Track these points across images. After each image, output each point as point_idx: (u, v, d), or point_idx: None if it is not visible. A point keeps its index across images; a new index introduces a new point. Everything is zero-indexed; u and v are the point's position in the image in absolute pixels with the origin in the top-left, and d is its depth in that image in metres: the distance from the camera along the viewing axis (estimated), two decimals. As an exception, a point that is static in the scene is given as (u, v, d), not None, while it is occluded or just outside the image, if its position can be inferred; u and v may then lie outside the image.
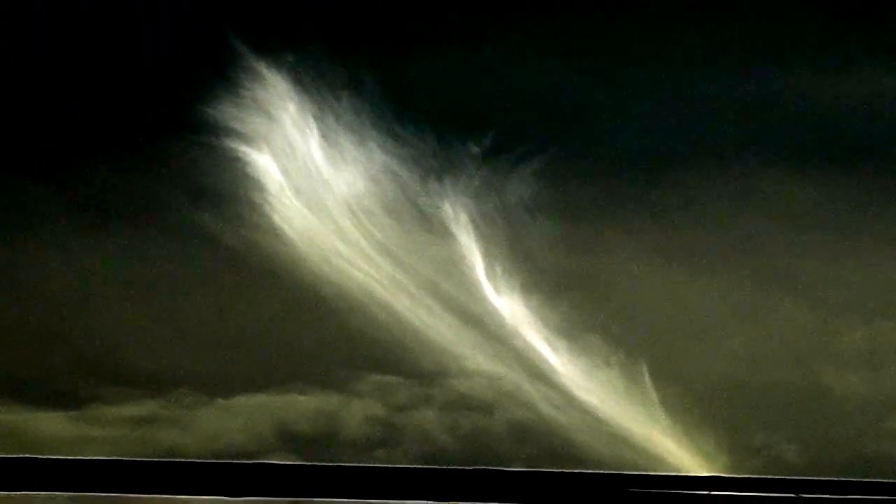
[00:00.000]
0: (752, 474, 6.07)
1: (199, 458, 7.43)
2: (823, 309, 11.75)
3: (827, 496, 6.00)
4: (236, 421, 11.19)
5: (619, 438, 11.41)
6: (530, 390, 11.54)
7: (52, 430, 10.97)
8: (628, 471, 6.58)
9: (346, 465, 6.64)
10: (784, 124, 12.08)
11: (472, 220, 11.99)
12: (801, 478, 6.00)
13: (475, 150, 12.07)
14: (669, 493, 6.07)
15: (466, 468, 6.61)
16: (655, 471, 9.61)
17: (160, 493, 6.72)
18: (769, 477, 6.00)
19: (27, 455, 6.76)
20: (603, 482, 6.54)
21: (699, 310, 11.81)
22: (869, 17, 12.07)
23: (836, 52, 12.06)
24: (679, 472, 10.42)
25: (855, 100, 11.86)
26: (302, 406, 11.25)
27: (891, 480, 5.99)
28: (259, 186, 11.90)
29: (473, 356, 11.65)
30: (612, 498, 6.44)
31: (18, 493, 6.72)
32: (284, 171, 12.05)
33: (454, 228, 11.99)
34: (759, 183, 11.99)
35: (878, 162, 11.93)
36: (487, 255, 11.94)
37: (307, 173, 12.11)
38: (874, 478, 6.04)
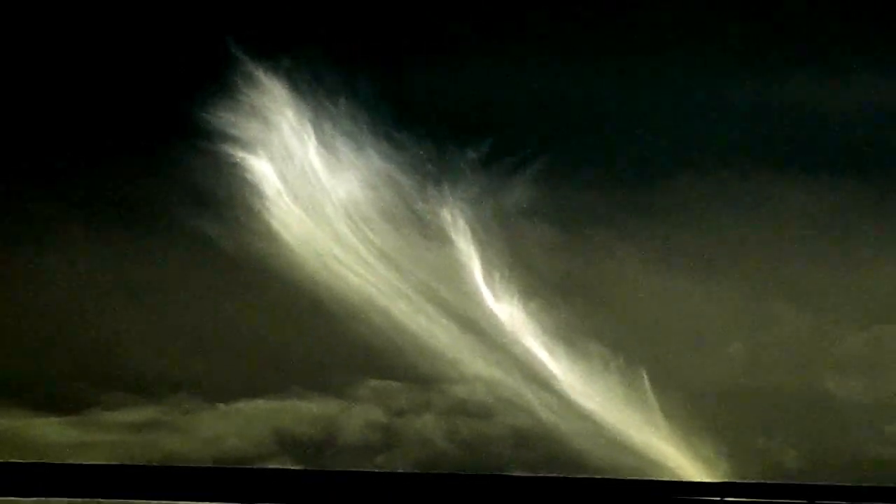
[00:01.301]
0: (753, 479, 6.07)
1: (198, 464, 7.43)
2: (823, 314, 11.75)
3: (840, 502, 5.98)
4: (236, 426, 11.17)
5: (618, 444, 11.40)
6: (529, 396, 11.53)
7: (52, 435, 10.95)
8: (628, 476, 6.58)
9: (347, 470, 6.63)
10: (783, 130, 12.10)
11: (471, 226, 11.99)
12: (814, 483, 5.98)
13: (473, 155, 12.06)
14: (683, 500, 6.06)
15: (466, 473, 6.59)
16: (655, 476, 9.63)
17: (159, 499, 6.71)
18: (781, 482, 5.98)
19: (26, 461, 6.74)
20: (609, 488, 6.54)
21: (698, 315, 11.82)
22: (870, 24, 12.09)
23: (838, 59, 12.07)
24: (680, 478, 10.43)
25: (857, 107, 11.88)
26: (301, 411, 11.24)
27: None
28: (257, 191, 11.90)
29: (472, 362, 11.65)
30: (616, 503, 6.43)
31: (18, 498, 6.70)
32: (282, 177, 12.05)
33: (452, 234, 11.99)
34: (758, 189, 12.01)
35: (878, 169, 11.95)
36: (486, 261, 11.94)
37: (305, 178, 12.11)
38: (875, 482, 6.03)
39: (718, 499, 5.94)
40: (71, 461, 6.76)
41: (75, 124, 11.92)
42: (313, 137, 12.11)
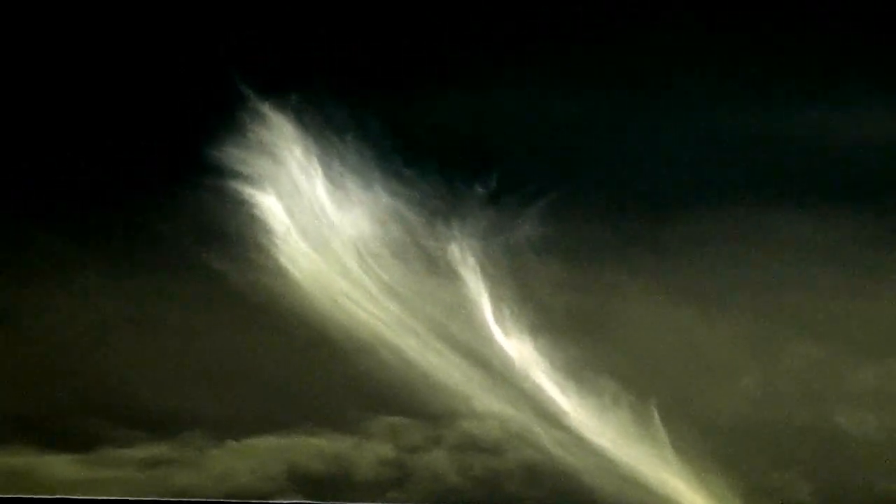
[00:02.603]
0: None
1: (210, 499, 7.40)
2: (834, 347, 11.73)
3: None
4: (247, 462, 11.14)
5: (629, 480, 11.37)
6: (540, 432, 11.51)
7: (64, 472, 10.91)
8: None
9: (358, 505, 6.61)
10: (792, 162, 12.12)
11: (479, 262, 11.99)
12: None
13: (481, 190, 12.08)
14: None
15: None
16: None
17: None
18: None
19: (37, 496, 6.74)
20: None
21: (708, 349, 11.79)
22: (877, 58, 12.13)
23: (847, 91, 12.10)
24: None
25: (866, 139, 11.90)
26: (313, 447, 11.21)
27: None
28: (266, 228, 11.91)
29: (483, 397, 11.63)
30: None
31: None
32: (290, 213, 12.06)
33: (461, 270, 11.98)
34: (768, 221, 12.01)
35: (891, 200, 11.94)
36: (495, 297, 11.93)
37: (313, 215, 12.12)
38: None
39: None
40: (83, 497, 6.75)
41: (85, 163, 11.96)
42: (321, 174, 12.13)
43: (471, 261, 11.97)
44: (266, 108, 11.97)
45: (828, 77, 12.24)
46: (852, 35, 12.11)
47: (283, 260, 11.85)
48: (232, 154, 11.89)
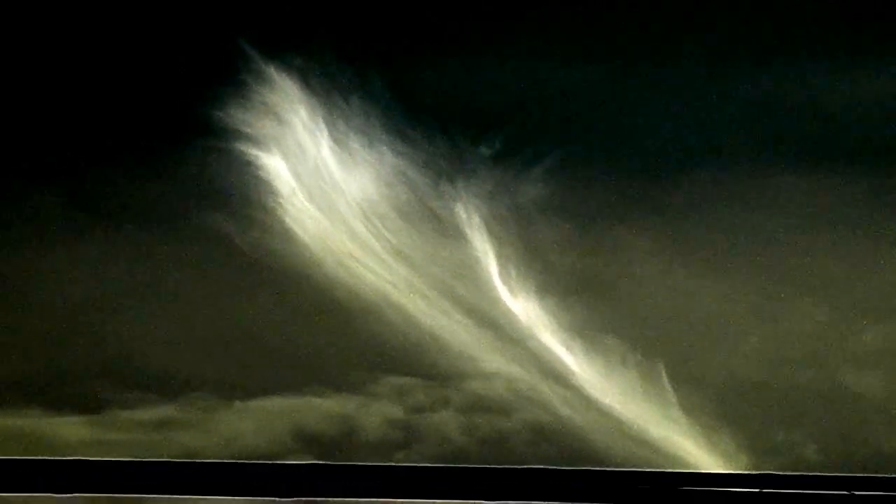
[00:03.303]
0: (777, 472, 6.02)
1: (216, 459, 7.39)
2: (840, 308, 11.71)
3: (879, 493, 5.95)
4: (254, 423, 11.15)
5: (637, 439, 11.38)
6: (547, 391, 11.50)
7: (70, 434, 10.94)
8: (654, 469, 6.54)
9: (366, 464, 6.60)
10: (798, 123, 12.05)
11: (485, 222, 11.96)
12: (854, 475, 5.94)
13: (486, 151, 12.04)
14: (721, 492, 6.03)
15: (486, 466, 6.57)
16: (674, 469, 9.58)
17: (177, 494, 6.69)
18: (820, 475, 5.94)
19: (45, 457, 6.73)
20: (642, 480, 6.50)
21: (715, 310, 11.78)
22: (886, 15, 12.06)
23: (852, 50, 12.03)
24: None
25: (871, 98, 11.84)
26: (319, 408, 11.22)
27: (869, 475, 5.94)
28: (271, 189, 11.88)
29: (489, 358, 11.62)
30: (644, 496, 6.41)
31: (37, 494, 6.70)
32: (296, 174, 12.02)
33: (467, 230, 11.96)
34: (774, 182, 11.97)
35: (893, 162, 11.90)
36: (501, 257, 11.91)
37: (319, 176, 12.08)
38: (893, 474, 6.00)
39: (758, 490, 5.90)
40: (91, 458, 6.74)
41: (87, 125, 11.90)
42: (326, 135, 12.09)
43: (476, 221, 11.95)
44: (270, 70, 11.92)
45: (829, 40, 12.16)
46: (862, 1, 12.09)
47: (289, 221, 11.83)
48: (236, 115, 11.86)
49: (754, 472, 6.07)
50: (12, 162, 11.83)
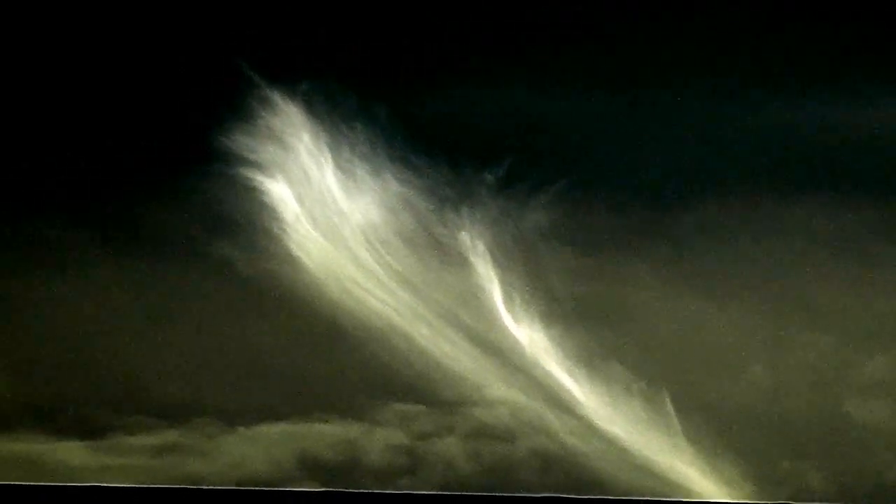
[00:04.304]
0: (782, 501, 6.02)
1: (220, 486, 7.38)
2: (845, 338, 11.70)
3: None
4: (258, 449, 11.12)
5: (642, 467, 11.34)
6: (552, 419, 11.48)
7: (76, 459, 10.90)
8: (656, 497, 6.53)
9: (371, 491, 6.59)
10: (802, 154, 12.08)
11: (490, 250, 11.96)
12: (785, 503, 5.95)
13: (490, 179, 12.05)
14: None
15: (491, 495, 6.56)
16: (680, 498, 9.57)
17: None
18: (760, 503, 5.94)
19: (48, 483, 6.71)
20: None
21: (720, 338, 11.77)
22: (883, 49, 12.10)
23: (860, 79, 12.07)
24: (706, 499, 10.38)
25: (878, 129, 11.87)
26: (324, 434, 11.19)
27: None
28: (275, 215, 11.88)
29: (494, 385, 11.60)
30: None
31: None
32: (300, 200, 12.02)
33: (472, 258, 11.95)
34: (779, 212, 11.98)
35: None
36: (505, 284, 11.90)
37: (323, 202, 12.09)
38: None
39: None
40: (94, 484, 6.72)
41: (94, 151, 11.93)
42: (331, 161, 12.10)
43: (481, 249, 11.95)
44: (276, 96, 11.94)
45: (835, 69, 12.20)
46: (858, 27, 12.10)
47: (293, 247, 11.83)
48: (241, 141, 11.87)
49: (760, 503, 6.06)
50: (20, 189, 11.86)
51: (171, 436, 11.11)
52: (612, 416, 11.52)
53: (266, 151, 11.99)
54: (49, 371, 11.38)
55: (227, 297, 11.63)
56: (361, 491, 6.26)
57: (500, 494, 6.23)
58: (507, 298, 11.87)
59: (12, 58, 11.98)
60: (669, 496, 10.95)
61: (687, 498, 10.20)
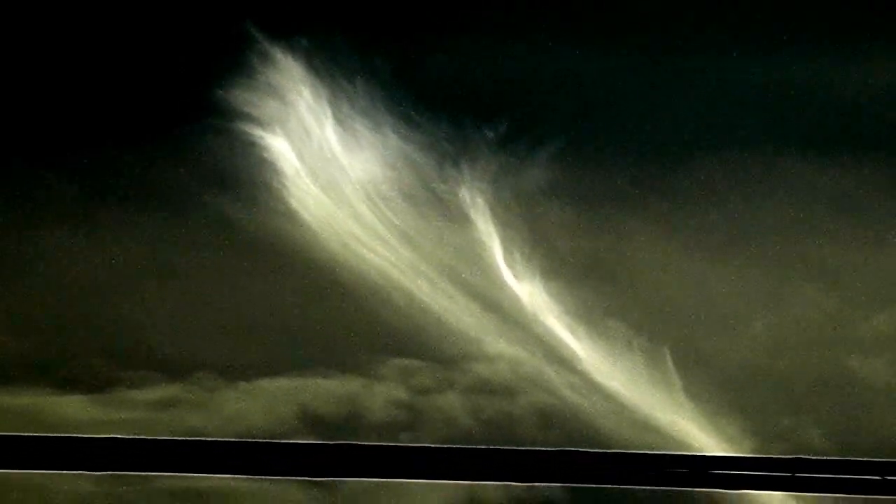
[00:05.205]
0: (782, 455, 6.01)
1: (221, 438, 7.37)
2: (846, 294, 11.70)
3: (822, 475, 5.95)
4: (259, 404, 11.15)
5: (642, 423, 11.37)
6: (552, 375, 11.49)
7: (76, 412, 10.93)
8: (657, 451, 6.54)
9: (372, 444, 6.58)
10: (806, 110, 12.03)
11: (490, 206, 11.93)
12: (796, 457, 5.96)
13: (491, 135, 12.01)
14: (725, 475, 6.02)
15: (493, 447, 6.55)
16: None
17: (182, 472, 6.66)
18: (764, 456, 5.97)
19: (51, 434, 6.70)
20: (639, 461, 6.49)
21: (721, 295, 11.77)
22: (889, 7, 12.03)
23: (858, 39, 12.01)
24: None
25: (878, 86, 11.83)
26: (324, 389, 11.21)
27: (887, 459, 5.94)
28: (276, 171, 11.85)
29: (494, 341, 11.60)
30: (637, 476, 6.38)
31: (43, 471, 6.66)
32: (300, 156, 11.99)
33: (472, 214, 11.93)
34: (781, 169, 11.95)
35: (900, 146, 11.90)
36: (506, 241, 11.88)
37: (323, 158, 12.06)
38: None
39: (762, 473, 5.88)
40: (95, 436, 6.72)
41: (94, 106, 11.89)
42: (331, 117, 12.06)
43: (481, 205, 11.93)
44: (275, 51, 11.89)
45: (839, 26, 12.15)
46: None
47: (294, 202, 11.80)
48: (241, 96, 11.83)
49: (760, 456, 6.07)
50: (23, 146, 11.82)
51: (171, 390, 11.13)
52: (612, 372, 11.53)
53: (266, 107, 11.95)
54: (50, 326, 11.38)
55: (227, 252, 11.61)
56: (361, 443, 6.26)
57: (500, 447, 6.24)
58: (508, 254, 11.85)
59: (12, 16, 11.93)
60: (670, 451, 10.97)
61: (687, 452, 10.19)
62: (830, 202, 11.88)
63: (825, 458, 5.77)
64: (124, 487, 10.05)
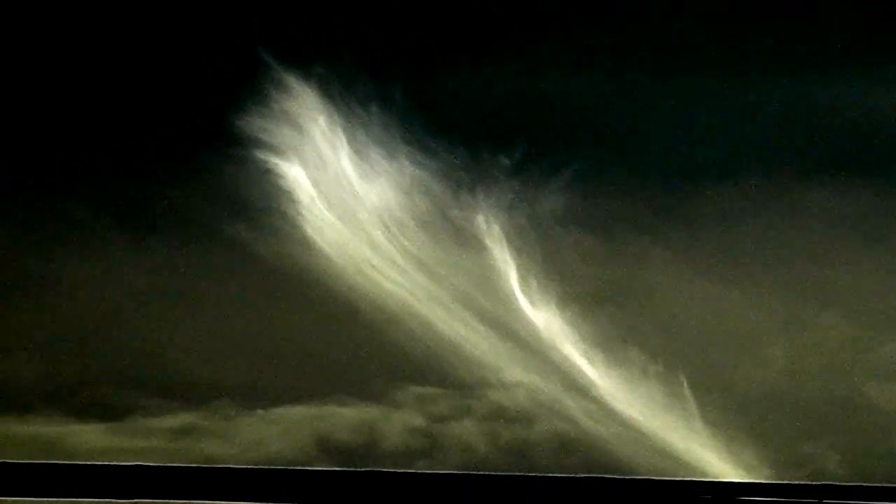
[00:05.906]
0: (799, 482, 5.99)
1: (238, 465, 7.37)
2: (864, 320, 11.67)
3: (848, 501, 5.95)
4: (276, 431, 11.13)
5: (659, 450, 11.34)
6: (569, 402, 11.47)
7: (93, 441, 10.92)
8: (673, 477, 6.53)
9: (389, 470, 6.57)
10: (823, 133, 12.01)
11: (506, 233, 11.94)
12: (823, 483, 5.95)
13: (506, 161, 12.03)
14: (744, 501, 6.01)
15: (509, 474, 6.54)
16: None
17: (201, 499, 6.67)
18: (791, 483, 5.95)
19: (66, 461, 6.70)
20: (656, 488, 6.49)
21: (737, 321, 11.74)
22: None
23: (883, 62, 12.00)
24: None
25: (894, 109, 11.81)
26: (342, 417, 11.20)
27: None
28: (291, 198, 11.87)
29: (511, 368, 11.59)
30: (663, 503, 6.39)
31: (61, 499, 6.68)
32: (316, 183, 12.02)
33: (488, 241, 11.94)
34: (798, 193, 11.93)
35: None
36: (521, 268, 11.88)
37: (338, 185, 12.08)
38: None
39: (782, 500, 5.88)
40: (113, 463, 6.72)
41: (110, 131, 11.92)
42: (346, 144, 12.09)
43: (497, 231, 11.92)
44: (290, 78, 11.92)
45: (857, 50, 12.15)
46: (887, 7, 12.03)
47: (309, 230, 11.82)
48: (256, 123, 11.86)
49: (787, 482, 6.05)
50: (39, 170, 11.86)
51: (189, 417, 11.13)
52: (628, 399, 11.51)
53: (281, 134, 11.98)
54: (66, 352, 11.39)
55: (244, 279, 11.62)
56: (379, 470, 6.26)
57: (517, 474, 6.23)
58: (523, 281, 11.85)
59: (30, 42, 11.99)
60: (686, 477, 10.93)
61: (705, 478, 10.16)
62: (850, 227, 11.86)
63: (851, 483, 5.75)
64: (141, 515, 10.03)
